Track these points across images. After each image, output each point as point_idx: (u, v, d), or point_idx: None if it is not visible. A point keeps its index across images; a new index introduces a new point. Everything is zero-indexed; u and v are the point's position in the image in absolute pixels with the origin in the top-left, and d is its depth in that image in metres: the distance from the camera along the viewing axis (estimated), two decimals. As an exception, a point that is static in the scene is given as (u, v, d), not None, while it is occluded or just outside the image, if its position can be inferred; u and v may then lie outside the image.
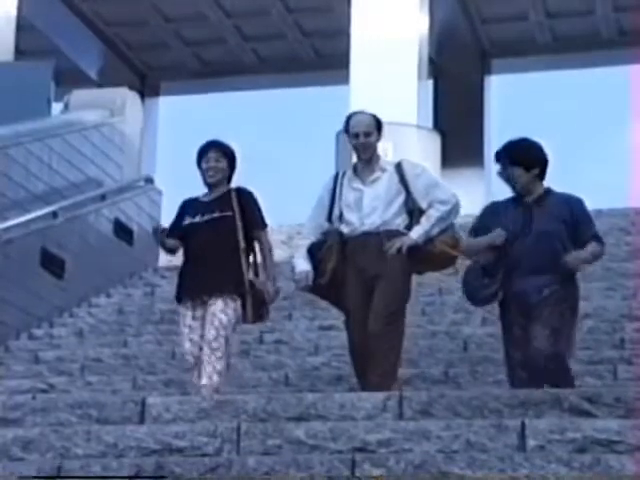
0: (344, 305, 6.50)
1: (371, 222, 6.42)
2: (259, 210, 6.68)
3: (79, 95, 13.40)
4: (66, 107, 13.32)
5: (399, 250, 6.27)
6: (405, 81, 15.87)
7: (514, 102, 20.92)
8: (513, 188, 6.21)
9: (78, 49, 19.95)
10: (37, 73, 14.13)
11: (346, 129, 6.56)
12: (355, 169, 6.61)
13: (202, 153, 6.78)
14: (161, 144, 20.27)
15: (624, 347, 7.81)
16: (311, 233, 6.64)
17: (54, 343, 9.83)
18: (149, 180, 13.68)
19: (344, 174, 6.62)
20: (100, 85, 18.77)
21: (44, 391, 8.00)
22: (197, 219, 6.67)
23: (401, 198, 6.45)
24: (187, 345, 6.56)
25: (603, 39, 19.48)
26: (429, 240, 6.37)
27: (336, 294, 6.46)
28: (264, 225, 6.68)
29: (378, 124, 6.55)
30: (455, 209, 6.46)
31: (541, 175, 6.21)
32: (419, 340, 8.40)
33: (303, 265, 6.49)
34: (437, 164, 15.63)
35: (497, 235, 6.12)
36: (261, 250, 6.69)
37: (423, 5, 16.56)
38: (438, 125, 17.19)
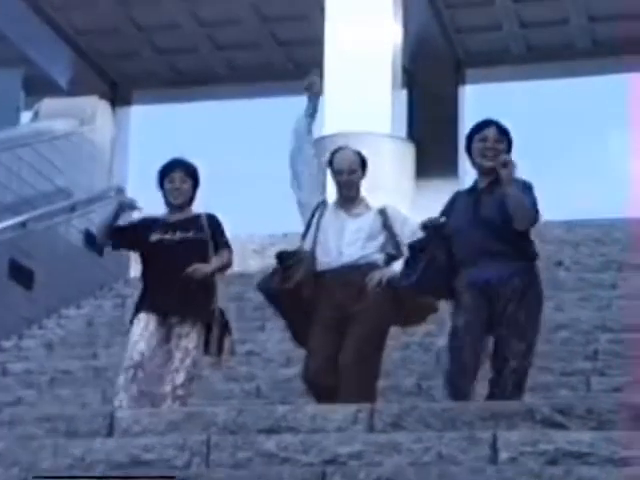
0: (308, 333, 6.19)
1: (350, 253, 6.24)
2: (226, 235, 6.59)
3: (49, 104, 13.32)
4: (36, 116, 13.25)
5: (379, 283, 6.08)
6: (379, 90, 15.86)
7: (488, 112, 20.90)
8: (488, 160, 5.87)
9: (49, 58, 19.85)
10: (6, 81, 14.07)
11: (330, 165, 6.42)
12: (340, 202, 6.45)
13: (165, 172, 6.63)
14: (133, 154, 20.18)
15: (597, 358, 7.80)
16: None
17: (22, 355, 9.75)
18: (120, 190, 13.58)
19: (325, 204, 6.44)
20: (71, 94, 18.66)
21: (12, 404, 7.91)
22: (168, 236, 6.51)
23: (382, 238, 6.30)
24: (142, 345, 6.31)
25: (577, 49, 19.56)
26: (408, 287, 6.09)
27: (291, 306, 6.21)
28: (230, 248, 6.58)
29: (363, 162, 6.41)
30: None
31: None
32: (392, 352, 8.35)
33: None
34: (411, 174, 15.62)
35: (427, 219, 5.92)
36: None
37: (397, 14, 16.56)
38: (412, 135, 17.19)
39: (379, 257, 6.25)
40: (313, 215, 6.36)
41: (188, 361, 6.32)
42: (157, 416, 5.27)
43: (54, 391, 8.24)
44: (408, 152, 15.72)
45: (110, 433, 5.22)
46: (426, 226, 5.90)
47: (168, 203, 6.63)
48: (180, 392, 6.28)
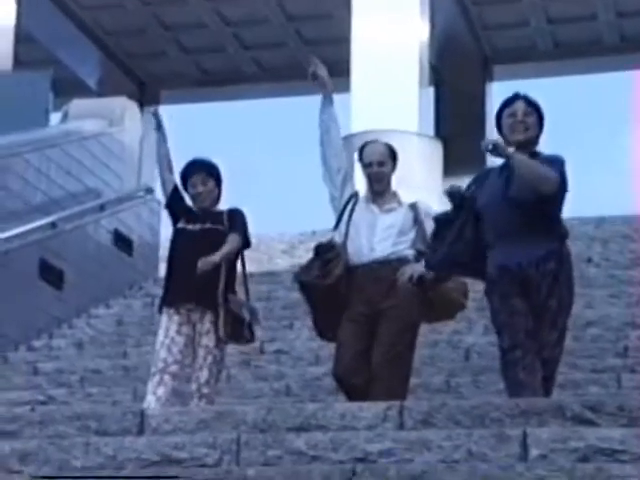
0: (337, 329, 6.16)
1: (382, 249, 6.18)
2: (244, 225, 6.55)
3: (78, 105, 13.38)
4: (65, 117, 13.30)
5: (410, 278, 5.99)
6: (406, 88, 15.85)
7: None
8: (519, 133, 5.73)
9: (77, 59, 19.96)
10: (35, 83, 14.14)
11: (360, 158, 6.34)
12: (369, 197, 6.39)
13: (186, 176, 6.63)
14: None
15: (628, 355, 7.75)
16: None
17: (53, 355, 9.80)
18: (149, 190, 13.64)
19: (357, 196, 6.38)
20: (99, 95, 18.77)
21: (43, 403, 7.96)
22: (190, 226, 6.55)
23: (412, 234, 6.24)
24: (163, 353, 6.36)
25: (605, 45, 19.47)
26: (438, 280, 6.05)
27: (327, 312, 6.15)
28: (248, 244, 6.56)
29: (392, 154, 6.35)
30: None
31: (537, 138, 5.83)
32: (421, 349, 8.34)
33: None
34: (439, 171, 15.60)
35: (451, 186, 5.81)
36: (242, 268, 6.60)
37: (424, 12, 16.54)
38: (440, 132, 17.18)
39: (410, 253, 6.19)
40: (345, 207, 6.29)
41: (210, 359, 6.35)
42: (187, 415, 5.28)
43: (85, 390, 8.28)
44: (436, 149, 15.71)
45: (141, 431, 5.23)
46: (452, 194, 5.77)
47: (197, 207, 6.65)
48: (205, 390, 6.31)
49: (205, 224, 6.52)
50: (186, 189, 6.66)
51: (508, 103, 5.84)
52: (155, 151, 6.93)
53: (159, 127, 6.93)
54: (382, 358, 5.96)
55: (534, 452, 4.42)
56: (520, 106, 5.78)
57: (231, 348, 8.76)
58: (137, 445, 4.93)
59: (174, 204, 6.73)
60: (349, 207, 6.30)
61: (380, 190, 6.32)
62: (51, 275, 10.85)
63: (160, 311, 6.55)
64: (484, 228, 5.70)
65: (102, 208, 12.24)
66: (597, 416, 4.70)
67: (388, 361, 5.95)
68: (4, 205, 10.42)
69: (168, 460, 4.83)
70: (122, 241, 12.35)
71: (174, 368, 6.35)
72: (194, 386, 6.35)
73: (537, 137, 5.81)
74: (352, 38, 16.32)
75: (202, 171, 6.59)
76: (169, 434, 5.13)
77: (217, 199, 6.66)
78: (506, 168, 5.76)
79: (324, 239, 6.39)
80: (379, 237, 6.21)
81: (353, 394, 6.01)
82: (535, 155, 5.75)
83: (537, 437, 4.46)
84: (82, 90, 18.95)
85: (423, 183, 14.12)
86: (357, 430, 4.87)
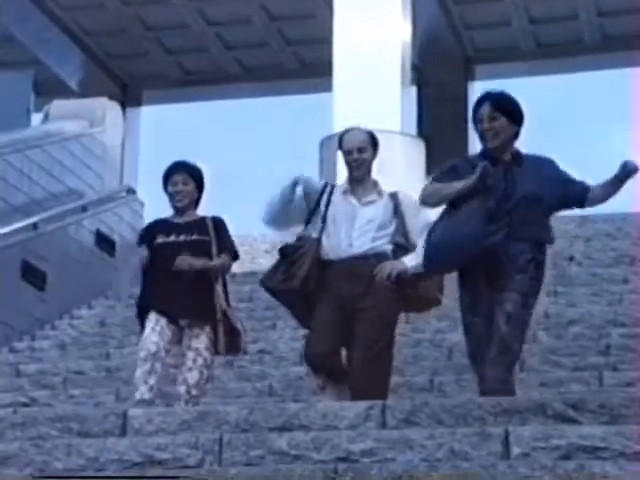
0: (308, 323, 6.14)
1: (360, 244, 6.07)
2: (231, 239, 6.52)
3: (59, 105, 13.35)
4: (46, 118, 13.27)
5: (389, 276, 5.93)
6: (388, 88, 15.85)
7: (498, 108, 20.84)
8: (488, 142, 5.65)
9: (58, 59, 19.88)
10: (16, 84, 14.12)
11: (340, 145, 6.25)
12: (349, 185, 6.25)
13: (168, 176, 6.58)
14: (143, 154, 20.21)
15: (610, 353, 7.78)
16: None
17: (36, 356, 9.77)
18: (131, 191, 13.63)
19: (333, 187, 6.28)
20: (81, 95, 18.70)
21: (26, 405, 7.93)
22: (172, 238, 6.46)
23: (392, 228, 6.14)
24: (155, 337, 6.28)
25: (587, 44, 19.52)
26: (415, 277, 5.98)
27: (298, 302, 6.11)
28: (236, 256, 6.54)
29: (373, 141, 6.23)
30: None
31: (517, 135, 5.72)
32: (403, 349, 8.35)
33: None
34: (421, 171, 15.60)
35: (480, 175, 5.52)
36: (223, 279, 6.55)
37: (406, 12, 16.55)
38: (422, 132, 17.17)
39: (388, 248, 6.09)
40: (320, 199, 6.18)
41: (200, 361, 6.32)
42: (170, 415, 5.27)
43: (67, 392, 8.25)
44: (418, 149, 15.71)
45: (123, 433, 5.22)
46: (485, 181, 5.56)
47: (173, 206, 6.57)
48: (194, 392, 6.29)
49: (191, 235, 6.45)
50: (166, 189, 6.58)
51: (475, 108, 5.73)
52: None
53: None
54: (361, 360, 5.90)
55: (516, 450, 4.43)
56: (485, 111, 5.65)
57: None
58: (119, 446, 4.92)
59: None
60: (324, 199, 6.18)
61: (360, 177, 6.19)
62: (33, 276, 10.82)
63: (142, 321, 6.47)
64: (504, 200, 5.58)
65: (84, 209, 12.22)
66: (579, 414, 4.71)
67: (368, 362, 5.90)
68: (-15, 207, 10.39)
69: (150, 461, 4.83)
70: (104, 242, 12.33)
71: (162, 354, 6.28)
72: (182, 388, 6.30)
73: (513, 136, 5.71)
74: (334, 38, 16.30)
75: (184, 171, 6.55)
76: (151, 435, 5.12)
77: (196, 203, 6.60)
78: (496, 160, 5.62)
79: (297, 237, 6.28)
80: (358, 232, 6.10)
81: (325, 374, 6.02)
82: (519, 157, 5.70)
83: (519, 435, 4.47)
84: (64, 91, 18.87)
85: (406, 182, 14.12)
86: (339, 430, 4.88)
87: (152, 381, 6.22)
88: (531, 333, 7.96)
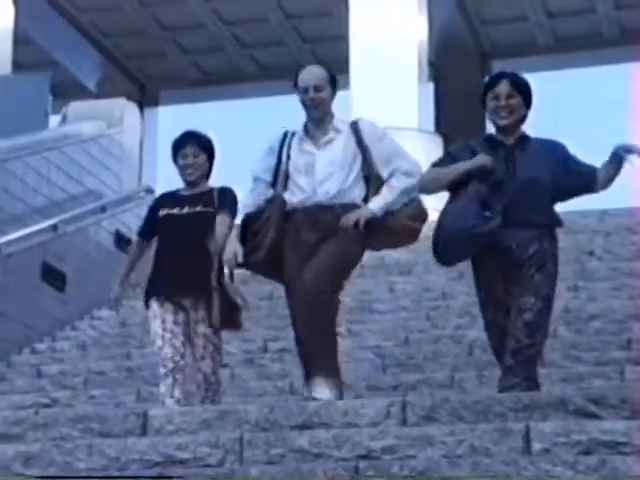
0: (283, 279, 5.81)
1: (325, 191, 5.72)
2: (232, 202, 6.23)
3: (77, 107, 13.39)
4: (64, 119, 13.31)
5: (356, 224, 5.60)
6: (405, 85, 15.83)
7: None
8: (502, 119, 5.59)
9: (76, 61, 19.95)
10: (34, 86, 14.14)
11: (295, 84, 5.89)
12: (306, 129, 5.89)
13: (178, 147, 6.36)
14: (161, 154, 20.24)
15: (631, 348, 7.73)
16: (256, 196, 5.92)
17: (57, 357, 9.79)
18: (149, 191, 13.63)
19: (293, 134, 5.91)
20: (99, 96, 18.76)
21: (47, 406, 7.95)
22: (176, 211, 6.29)
23: (358, 162, 5.77)
24: (168, 350, 6.17)
25: (605, 38, 19.44)
26: (389, 214, 5.71)
27: (272, 269, 5.79)
28: (229, 213, 6.18)
29: (332, 79, 5.88)
30: (416, 181, 5.77)
31: (525, 118, 5.70)
32: (423, 345, 8.34)
33: (232, 244, 5.82)
34: (440, 167, 15.58)
35: (482, 158, 5.49)
36: None
37: (422, 8, 16.53)
38: (439, 128, 17.14)
39: (357, 191, 5.75)
40: (280, 153, 5.89)
41: (211, 347, 6.17)
42: (190, 415, 5.28)
43: (88, 392, 8.27)
44: (436, 145, 15.68)
45: (144, 432, 5.24)
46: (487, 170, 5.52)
47: (184, 180, 6.37)
48: (213, 379, 6.17)
49: (195, 207, 6.26)
50: (175, 161, 6.38)
51: (491, 84, 5.65)
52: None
53: None
54: (312, 280, 5.56)
55: (537, 446, 4.42)
56: (503, 88, 5.61)
57: (234, 347, 8.79)
58: (140, 446, 4.93)
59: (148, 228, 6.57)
60: (284, 152, 5.88)
61: (317, 118, 5.84)
62: (53, 277, 10.85)
63: (147, 304, 6.36)
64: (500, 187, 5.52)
65: (103, 209, 12.24)
66: (600, 409, 4.69)
67: (320, 274, 5.56)
68: (5, 209, 10.42)
69: (171, 461, 4.84)
70: (123, 242, 12.33)
71: (182, 363, 6.20)
72: (200, 376, 6.17)
73: (524, 118, 5.69)
74: (350, 35, 16.30)
75: (194, 143, 6.32)
76: (172, 435, 5.13)
77: (207, 174, 6.39)
78: (501, 145, 5.60)
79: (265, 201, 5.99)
80: (320, 178, 5.75)
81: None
82: (526, 139, 5.66)
83: (540, 431, 4.46)
84: (81, 92, 18.94)
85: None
86: (360, 427, 4.87)
87: (177, 394, 6.14)
88: (552, 328, 7.92)
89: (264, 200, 5.87)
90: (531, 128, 5.81)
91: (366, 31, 16.16)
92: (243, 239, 5.86)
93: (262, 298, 10.16)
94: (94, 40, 19.80)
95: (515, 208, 5.47)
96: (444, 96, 18.72)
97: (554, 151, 5.65)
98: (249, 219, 5.87)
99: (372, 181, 5.79)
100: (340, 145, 5.79)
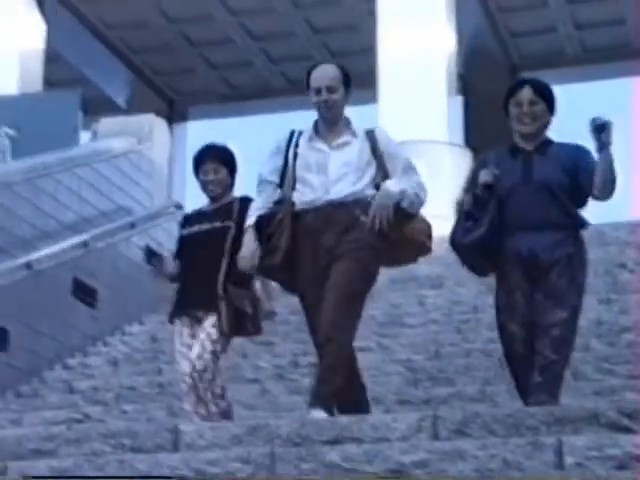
0: (297, 288, 5.63)
1: (339, 190, 5.47)
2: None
3: (106, 123, 13.46)
4: (94, 135, 13.38)
5: (380, 222, 5.37)
6: (434, 98, 15.82)
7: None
8: (525, 125, 5.54)
9: (105, 77, 20.08)
10: (64, 103, 14.23)
11: (307, 83, 5.65)
12: (316, 128, 5.64)
13: (198, 163, 6.32)
14: (191, 169, 20.28)
15: (664, 360, 7.67)
16: (264, 200, 5.69)
17: (88, 373, 9.83)
18: (179, 206, 13.67)
19: (300, 133, 5.67)
20: (128, 112, 18.87)
21: (79, 421, 7.97)
22: (196, 228, 6.27)
23: (372, 170, 5.56)
24: (185, 365, 6.13)
25: (633, 49, 19.37)
26: (404, 220, 5.48)
27: (290, 276, 5.58)
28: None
29: (346, 78, 5.64)
30: (424, 201, 5.66)
31: (548, 124, 5.62)
32: (454, 359, 8.31)
33: (248, 245, 5.61)
34: (469, 180, 15.53)
35: (481, 177, 5.48)
36: None
37: (450, 21, 16.52)
38: (469, 141, 17.13)
39: (369, 193, 5.51)
40: (287, 154, 5.65)
41: (202, 335, 6.06)
42: (221, 430, 5.27)
43: (120, 407, 8.29)
44: (466, 159, 15.65)
45: (175, 448, 5.23)
46: (488, 185, 5.50)
47: (206, 195, 6.33)
48: (198, 365, 6.04)
49: (214, 222, 6.20)
50: (197, 175, 6.34)
51: (514, 91, 5.60)
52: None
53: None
54: (336, 298, 5.35)
55: (570, 460, 4.38)
56: (526, 95, 5.56)
57: (265, 362, 8.79)
58: (171, 461, 4.92)
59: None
60: (291, 150, 5.63)
61: (331, 119, 5.60)
62: (84, 293, 10.89)
63: (171, 321, 6.36)
64: (505, 212, 5.47)
65: (133, 225, 12.28)
66: (633, 422, 4.64)
67: (343, 299, 5.36)
68: (36, 225, 10.47)
69: (202, 476, 4.83)
70: (154, 257, 12.35)
71: (199, 380, 6.12)
72: (189, 367, 6.09)
73: (547, 124, 5.62)
74: (378, 49, 16.31)
75: (215, 159, 6.26)
76: (203, 450, 5.12)
77: (230, 187, 6.31)
78: (520, 151, 5.56)
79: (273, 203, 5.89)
80: (334, 178, 5.50)
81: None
82: (549, 144, 5.59)
83: (572, 445, 4.42)
84: (111, 108, 19.07)
85: (453, 192, 14.06)
86: (391, 441, 4.84)
87: (202, 410, 6.11)
88: (584, 341, 7.89)
89: (272, 202, 5.66)
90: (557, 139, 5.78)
91: (394, 44, 16.17)
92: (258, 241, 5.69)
93: (292, 312, 10.15)
94: (123, 56, 19.94)
95: (533, 211, 5.42)
96: (473, 109, 18.70)
97: (574, 153, 5.55)
98: (262, 221, 5.65)
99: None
100: (356, 149, 5.57)
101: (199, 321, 6.20)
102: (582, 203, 5.57)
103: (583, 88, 20.52)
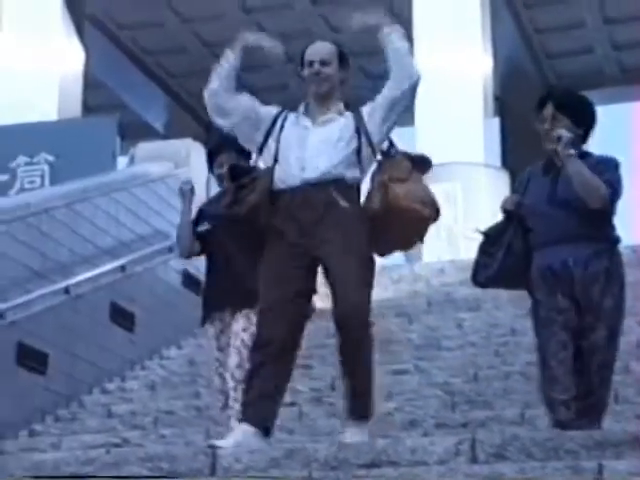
0: (264, 260, 5.24)
1: (314, 167, 5.21)
2: None
3: (144, 148, 13.53)
4: (131, 160, 13.45)
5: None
6: (471, 120, 15.80)
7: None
8: (551, 143, 5.36)
9: (143, 102, 20.21)
10: (102, 128, 14.35)
11: (301, 62, 5.44)
12: (307, 107, 5.43)
13: (212, 155, 6.12)
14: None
15: None
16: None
17: (126, 397, 9.85)
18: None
19: (286, 117, 5.43)
20: (166, 137, 19.00)
21: (117, 445, 7.99)
22: (206, 225, 6.08)
23: (353, 144, 5.26)
24: (217, 381, 6.07)
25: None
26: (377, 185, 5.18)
27: (246, 234, 5.32)
28: None
29: (341, 55, 5.44)
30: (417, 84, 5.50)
31: (584, 137, 5.45)
32: (493, 382, 8.26)
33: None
34: (507, 202, 15.47)
35: (502, 204, 5.46)
36: None
37: (486, 42, 16.51)
38: (506, 163, 17.08)
39: (350, 176, 5.24)
40: (273, 125, 5.38)
41: (237, 342, 5.98)
42: (259, 453, 5.26)
43: (158, 431, 8.30)
44: (503, 181, 15.60)
45: (213, 471, 5.22)
46: (507, 211, 5.49)
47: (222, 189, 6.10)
48: (237, 374, 5.96)
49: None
50: (211, 169, 6.16)
51: (538, 107, 5.44)
52: (181, 220, 6.36)
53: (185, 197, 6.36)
54: (353, 296, 5.13)
55: (610, 484, 4.33)
56: (548, 112, 5.39)
57: (303, 385, 8.77)
58: (209, 485, 4.92)
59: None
60: (278, 124, 5.37)
61: (321, 93, 5.36)
62: (122, 318, 10.93)
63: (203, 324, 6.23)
64: (531, 232, 5.39)
65: (170, 249, 12.31)
66: (675, 446, 4.58)
67: (364, 308, 5.16)
68: (75, 250, 10.53)
69: (240, 499, 4.82)
70: (191, 281, 12.39)
71: (235, 392, 6.07)
72: (227, 375, 6.00)
73: (578, 137, 5.41)
74: (415, 72, 16.30)
75: (231, 150, 6.00)
76: (240, 473, 5.10)
77: None
78: (551, 168, 5.46)
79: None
80: (310, 153, 5.25)
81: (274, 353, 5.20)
82: (585, 156, 5.42)
83: (613, 469, 4.37)
84: (149, 133, 19.20)
85: (491, 214, 14.02)
86: (429, 465, 4.81)
87: (233, 423, 6.00)
88: (624, 364, 7.81)
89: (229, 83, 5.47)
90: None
91: (430, 66, 16.15)
92: (224, 190, 5.52)
93: (328, 336, 10.14)
94: (161, 81, 20.07)
95: (560, 224, 5.29)
96: (510, 131, 18.64)
97: (595, 167, 5.39)
98: (238, 168, 5.45)
99: (366, 165, 5.36)
100: (338, 126, 5.33)
101: (223, 326, 6.07)
102: (607, 218, 5.42)
103: (621, 109, 20.42)
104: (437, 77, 15.88)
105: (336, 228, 5.15)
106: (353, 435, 5.44)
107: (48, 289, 9.82)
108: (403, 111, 5.62)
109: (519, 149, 18.46)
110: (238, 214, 5.20)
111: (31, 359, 9.56)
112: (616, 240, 5.45)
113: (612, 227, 5.46)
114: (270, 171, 5.27)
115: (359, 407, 5.43)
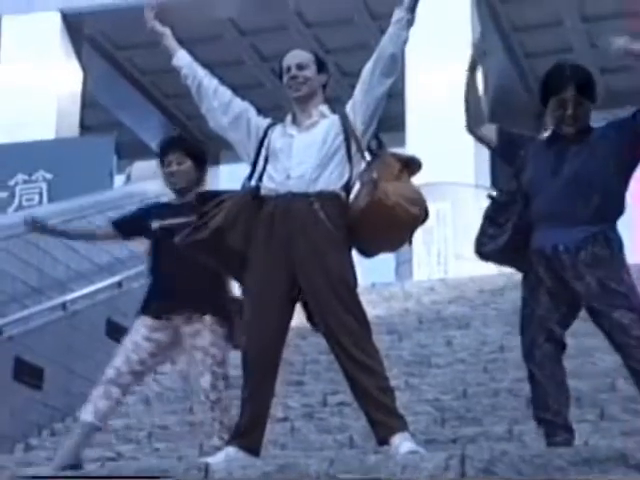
0: (246, 276, 5.16)
1: (299, 174, 5.11)
2: None
3: (140, 166, 13.67)
4: (128, 179, 13.58)
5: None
6: (461, 141, 15.88)
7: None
8: (568, 127, 5.06)
9: (139, 122, 20.28)
10: (100, 147, 14.46)
11: (280, 72, 5.42)
12: (293, 117, 5.39)
13: (161, 155, 6.02)
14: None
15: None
16: None
17: (122, 411, 9.91)
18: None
19: (274, 124, 5.42)
20: (161, 156, 19.06)
21: (112, 459, 8.07)
22: (166, 222, 5.81)
23: (340, 144, 5.20)
24: (119, 362, 5.88)
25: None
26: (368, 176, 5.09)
27: (215, 249, 5.15)
28: None
29: (318, 61, 5.39)
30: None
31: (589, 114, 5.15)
32: (482, 398, 8.36)
33: None
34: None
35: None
36: None
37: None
38: (496, 184, 17.22)
39: (337, 177, 5.17)
40: (263, 140, 5.33)
41: (209, 360, 5.82)
42: (251, 468, 5.31)
43: (152, 445, 8.38)
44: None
45: (205, 485, 5.30)
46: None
47: (170, 188, 5.98)
48: (212, 396, 5.87)
49: (177, 218, 5.72)
50: (162, 168, 6.01)
51: (557, 89, 5.09)
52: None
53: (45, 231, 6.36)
54: (359, 356, 5.35)
55: (596, 500, 4.42)
56: (570, 97, 5.05)
57: (294, 401, 8.87)
58: (202, 499, 5.00)
59: (127, 226, 6.17)
60: (266, 140, 5.32)
61: (300, 97, 5.32)
62: (118, 333, 10.98)
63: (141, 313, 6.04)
64: (531, 207, 5.11)
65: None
66: (661, 463, 4.67)
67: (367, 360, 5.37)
68: (71, 266, 10.63)
69: (234, 512, 4.90)
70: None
71: (127, 379, 5.97)
72: (202, 395, 5.90)
73: (589, 117, 5.14)
74: (406, 93, 16.47)
75: (178, 149, 5.89)
76: (233, 487, 5.19)
77: (196, 182, 5.90)
78: (556, 141, 5.14)
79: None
80: (296, 160, 5.18)
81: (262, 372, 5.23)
82: (590, 130, 5.14)
83: (599, 485, 4.46)
84: (145, 152, 19.29)
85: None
86: (419, 480, 4.91)
87: (101, 405, 5.89)
88: (610, 381, 7.93)
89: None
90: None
91: (421, 87, 16.31)
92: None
93: (321, 352, 10.24)
94: (157, 102, 20.16)
95: (559, 206, 5.02)
96: (500, 151, 18.75)
97: (610, 124, 5.13)
98: (205, 194, 5.51)
99: (355, 164, 5.26)
100: (322, 129, 5.26)
101: (169, 324, 5.85)
102: (619, 202, 5.09)
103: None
104: (428, 98, 16.04)
105: (312, 246, 5.07)
106: (405, 446, 5.43)
107: (45, 305, 9.93)
108: (385, 77, 5.58)
109: (509, 170, 18.62)
110: (202, 239, 5.13)
111: (28, 374, 9.65)
112: (616, 216, 5.08)
113: (623, 200, 5.09)
114: (249, 189, 5.23)
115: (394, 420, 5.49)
